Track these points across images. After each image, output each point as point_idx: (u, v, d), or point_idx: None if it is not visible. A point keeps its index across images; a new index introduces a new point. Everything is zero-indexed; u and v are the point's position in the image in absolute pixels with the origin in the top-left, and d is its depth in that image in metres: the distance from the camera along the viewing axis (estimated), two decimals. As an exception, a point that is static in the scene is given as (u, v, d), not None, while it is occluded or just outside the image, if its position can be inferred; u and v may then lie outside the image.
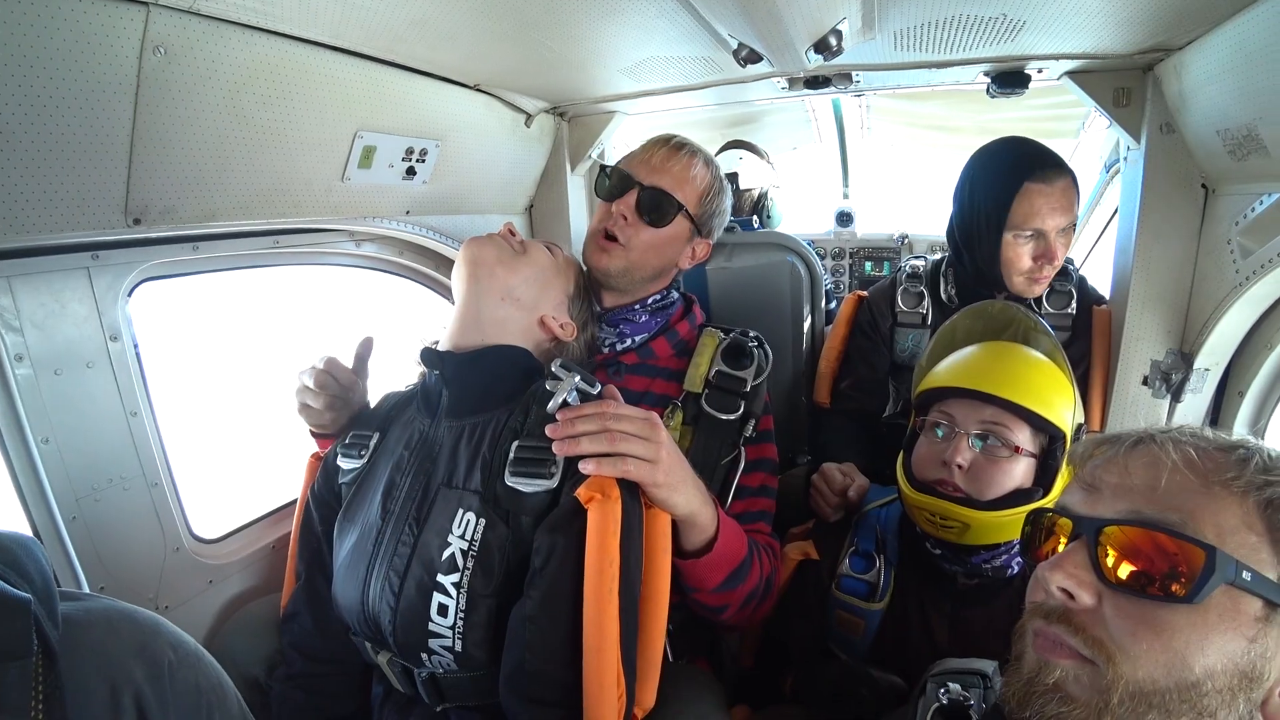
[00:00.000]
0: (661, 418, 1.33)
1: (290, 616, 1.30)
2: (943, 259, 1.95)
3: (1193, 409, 1.67)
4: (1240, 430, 1.59)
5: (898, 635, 1.38)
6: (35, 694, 0.63)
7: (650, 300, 1.53)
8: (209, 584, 1.48)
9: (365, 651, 1.20)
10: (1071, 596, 0.70)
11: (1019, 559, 1.31)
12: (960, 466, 1.24)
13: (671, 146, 1.51)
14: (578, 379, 1.14)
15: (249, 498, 1.72)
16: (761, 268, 2.33)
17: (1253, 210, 1.41)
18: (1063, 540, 0.76)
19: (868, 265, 3.88)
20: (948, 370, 1.34)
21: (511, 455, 1.11)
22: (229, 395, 2.48)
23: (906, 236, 3.71)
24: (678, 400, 1.44)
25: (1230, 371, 1.63)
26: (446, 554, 1.08)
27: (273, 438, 2.47)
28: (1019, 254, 1.66)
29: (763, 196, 3.07)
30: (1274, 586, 0.64)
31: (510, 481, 1.09)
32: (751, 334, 1.51)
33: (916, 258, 2.05)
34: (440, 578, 1.07)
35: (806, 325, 2.30)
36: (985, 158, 1.74)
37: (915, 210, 3.94)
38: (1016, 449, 1.23)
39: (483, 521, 1.09)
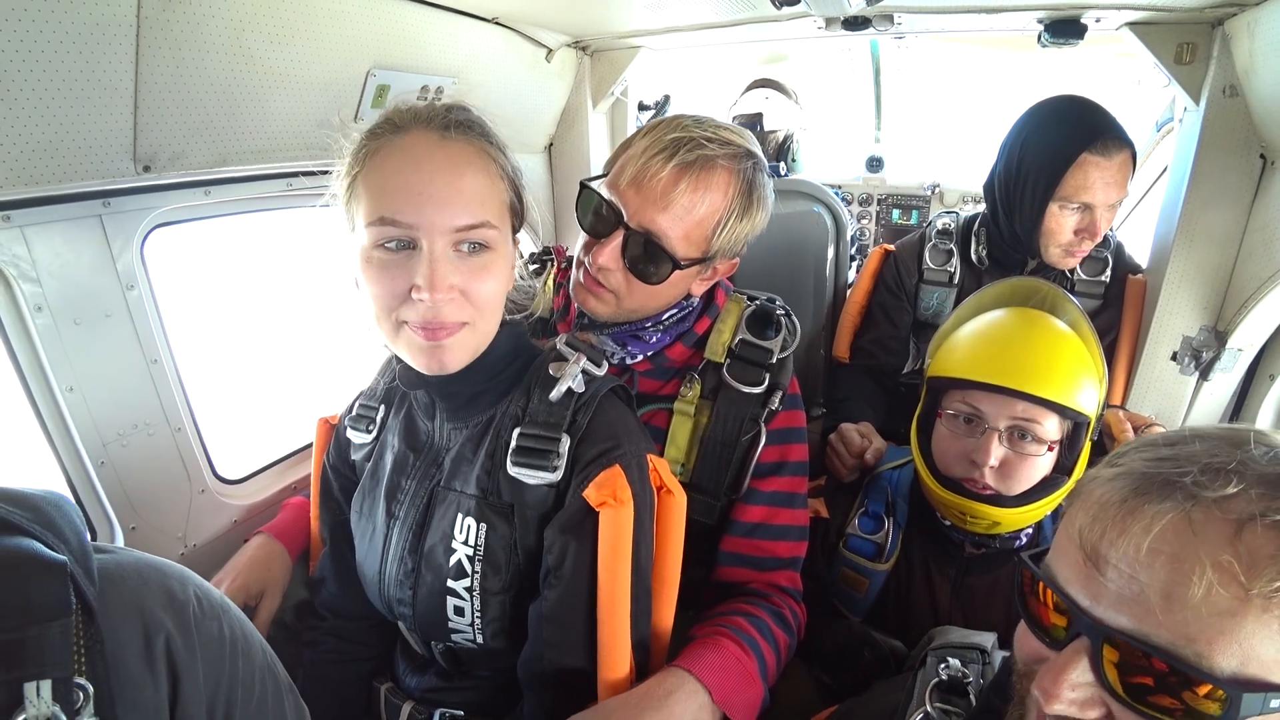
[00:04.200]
0: (679, 390, 1.30)
1: (318, 581, 1.33)
2: (975, 216, 1.87)
3: (1220, 389, 1.64)
4: (1268, 413, 1.56)
5: (900, 597, 1.41)
6: (77, 649, 0.66)
7: (666, 317, 1.31)
8: (233, 523, 1.53)
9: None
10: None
11: (1028, 531, 1.32)
12: (992, 467, 1.22)
13: (676, 167, 1.14)
14: (584, 361, 1.09)
15: (271, 439, 1.76)
16: (785, 217, 2.24)
17: (1314, 188, 1.33)
18: (1055, 618, 0.65)
19: (895, 213, 3.75)
20: (973, 357, 1.28)
21: (513, 444, 1.05)
22: (249, 337, 2.49)
23: (938, 186, 3.55)
24: (696, 370, 1.31)
25: (1264, 354, 1.58)
26: (454, 560, 1.07)
27: (290, 378, 2.50)
28: (1062, 225, 1.59)
29: (788, 139, 2.95)
30: None
31: (513, 471, 1.04)
32: (779, 302, 1.39)
33: (948, 213, 1.97)
34: (451, 583, 1.07)
35: (830, 277, 2.24)
36: (1042, 117, 1.63)
37: (948, 159, 3.74)
38: (1050, 446, 1.22)
39: (483, 526, 1.06)
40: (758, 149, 1.25)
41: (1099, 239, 1.61)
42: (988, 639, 1.00)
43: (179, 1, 1.06)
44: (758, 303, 1.37)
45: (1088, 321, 1.31)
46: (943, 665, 0.92)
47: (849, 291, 2.16)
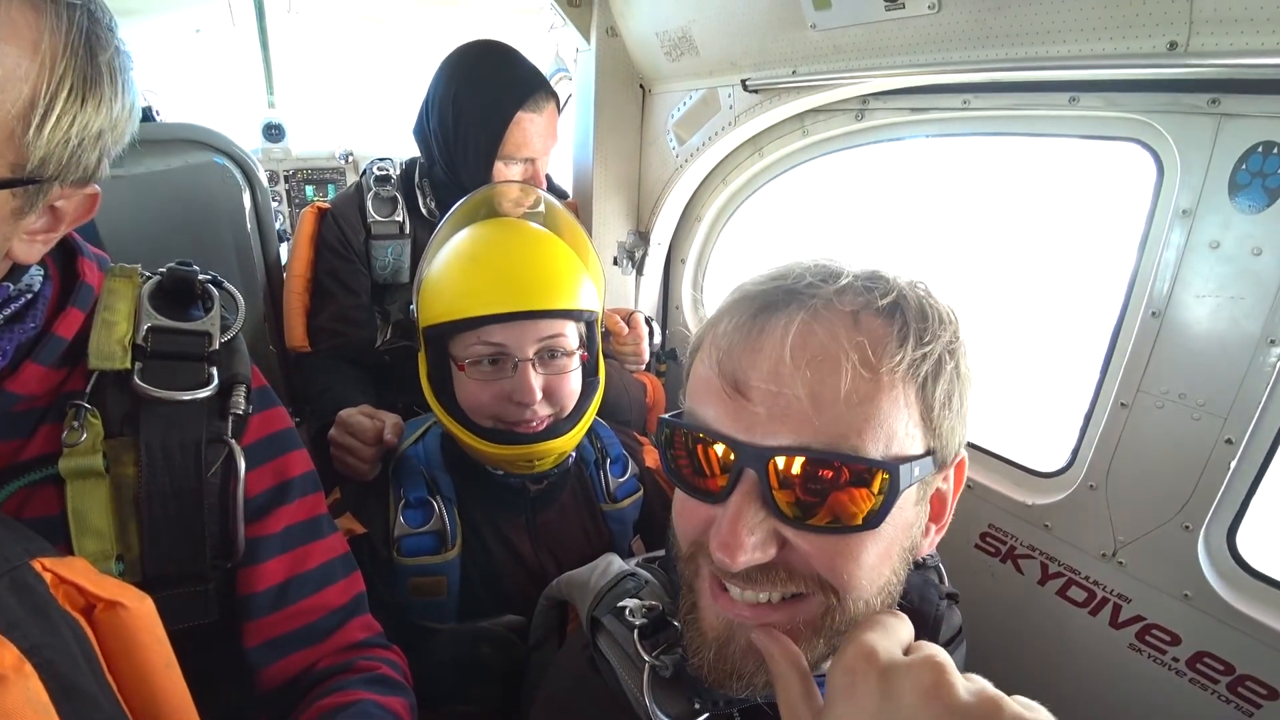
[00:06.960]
0: (61, 440, 0.74)
1: None
2: (413, 163, 1.75)
3: (651, 279, 2.02)
4: (686, 289, 2.02)
5: (486, 572, 1.21)
6: None
7: None
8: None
9: None
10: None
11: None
12: (538, 400, 1.12)
13: None
14: None
15: None
16: (177, 173, 1.72)
17: (683, 105, 1.73)
18: (714, 468, 0.61)
19: (309, 190, 3.40)
20: (475, 289, 1.13)
21: None
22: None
23: (351, 155, 3.37)
24: (83, 399, 0.77)
25: (673, 243, 2.01)
26: None
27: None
28: (509, 179, 1.63)
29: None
30: (930, 464, 0.61)
31: None
32: (195, 267, 0.91)
33: (382, 159, 1.80)
34: None
35: (256, 248, 1.81)
36: (472, 74, 1.60)
37: (360, 123, 3.56)
38: (582, 356, 1.19)
39: None
40: None
41: (543, 187, 1.72)
42: (614, 560, 0.91)
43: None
44: (166, 269, 0.89)
45: (563, 210, 1.34)
46: (627, 614, 0.77)
47: (286, 267, 1.78)
